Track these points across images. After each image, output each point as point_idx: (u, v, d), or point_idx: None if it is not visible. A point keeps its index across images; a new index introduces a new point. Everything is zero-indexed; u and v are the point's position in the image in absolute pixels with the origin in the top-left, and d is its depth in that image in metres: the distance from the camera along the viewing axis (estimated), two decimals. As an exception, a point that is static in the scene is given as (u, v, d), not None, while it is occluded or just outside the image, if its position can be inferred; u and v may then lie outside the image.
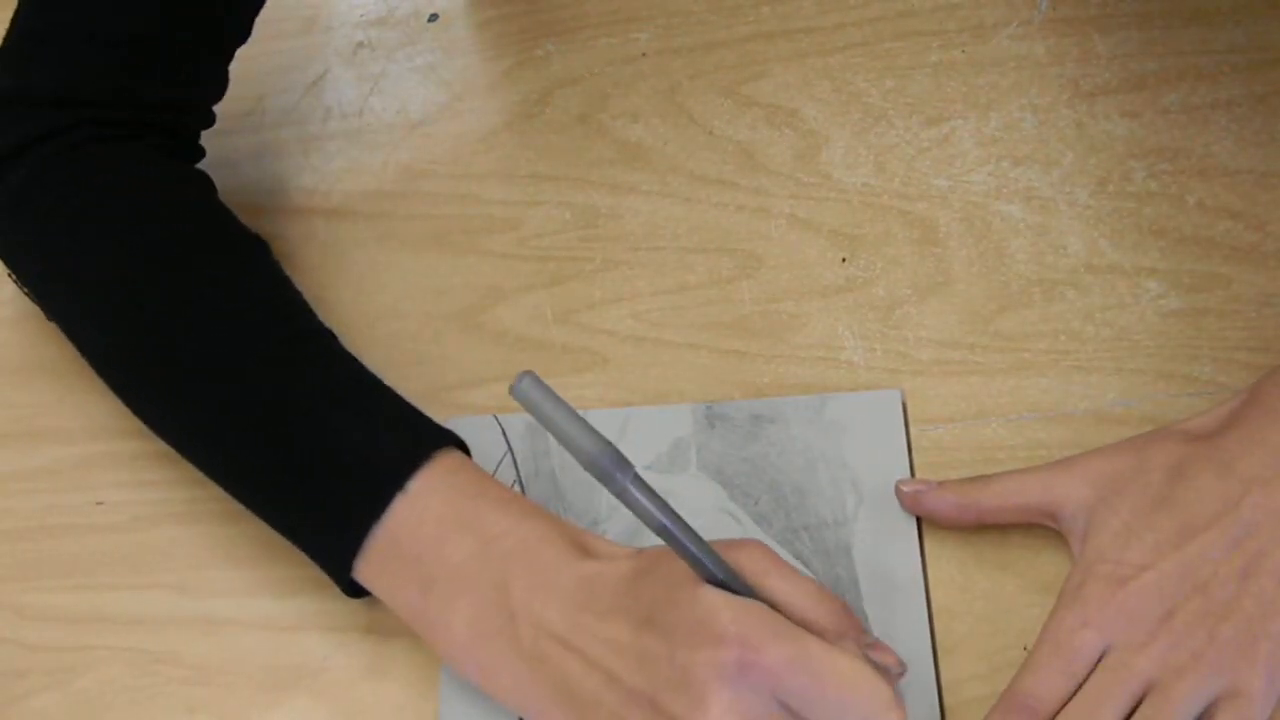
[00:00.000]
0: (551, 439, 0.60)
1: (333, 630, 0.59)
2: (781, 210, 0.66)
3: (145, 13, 0.60)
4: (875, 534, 0.58)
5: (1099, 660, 0.52)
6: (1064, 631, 0.52)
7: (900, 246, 0.65)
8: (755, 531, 0.58)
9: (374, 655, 0.58)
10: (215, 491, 0.61)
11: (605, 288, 0.66)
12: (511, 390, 0.43)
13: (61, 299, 0.61)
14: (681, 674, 0.48)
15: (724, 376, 0.63)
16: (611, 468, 0.45)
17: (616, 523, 0.59)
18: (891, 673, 0.52)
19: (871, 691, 0.48)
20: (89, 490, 0.63)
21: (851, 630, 0.51)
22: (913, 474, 0.59)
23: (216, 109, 0.66)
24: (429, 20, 0.75)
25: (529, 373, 0.43)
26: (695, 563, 0.49)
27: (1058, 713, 0.51)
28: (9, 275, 0.63)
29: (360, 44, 0.75)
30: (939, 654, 0.55)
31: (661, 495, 0.47)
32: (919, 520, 0.58)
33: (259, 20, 0.65)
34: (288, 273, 0.61)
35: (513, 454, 0.61)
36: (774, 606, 0.49)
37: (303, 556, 0.56)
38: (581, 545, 0.54)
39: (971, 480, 0.57)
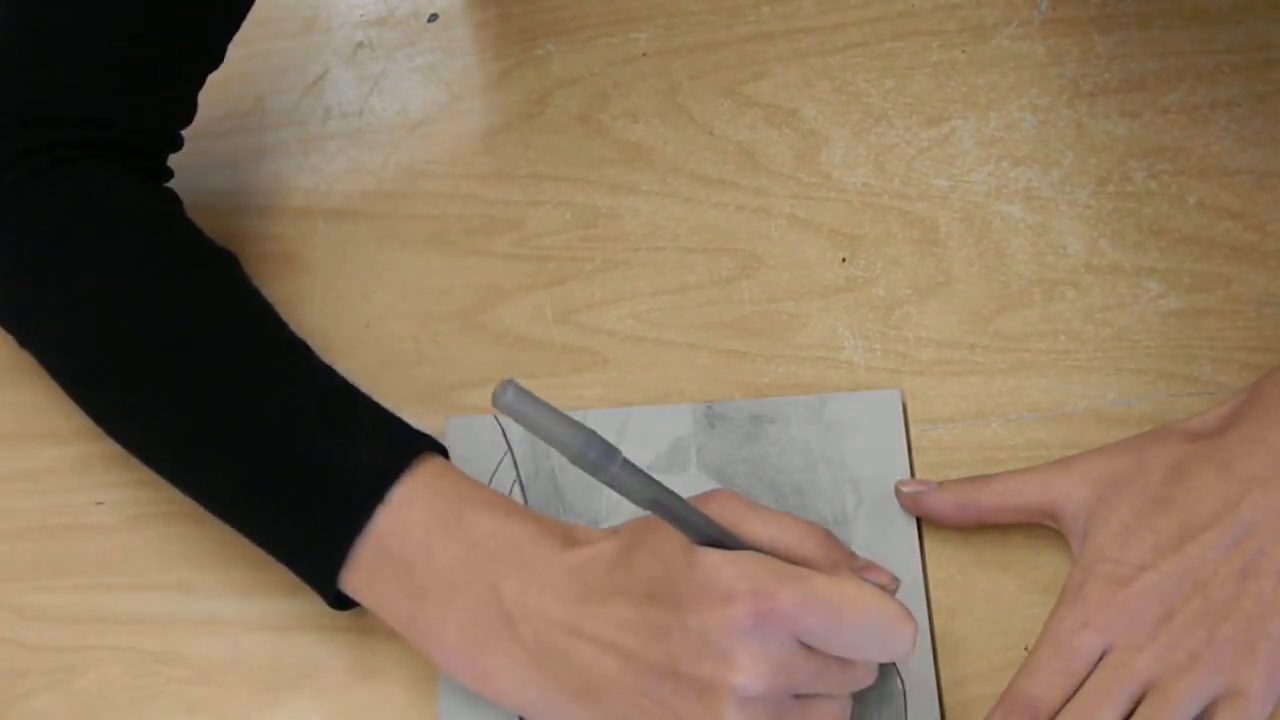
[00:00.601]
0: None
1: (333, 631, 0.59)
2: (781, 210, 0.66)
3: (114, 39, 0.59)
4: (875, 534, 0.58)
5: (1099, 660, 0.52)
6: (1064, 631, 0.52)
7: (900, 246, 0.65)
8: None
9: (374, 656, 0.58)
10: (215, 492, 0.62)
11: (605, 288, 0.66)
12: (494, 401, 0.44)
13: (30, 322, 0.61)
14: (699, 638, 0.48)
15: (724, 376, 0.63)
16: (601, 459, 0.45)
17: (617, 521, 0.59)
18: (889, 589, 0.52)
19: (883, 611, 0.48)
20: (89, 490, 0.63)
21: (842, 558, 0.52)
22: (913, 474, 0.59)
23: (215, 110, 0.65)
24: (429, 20, 0.75)
25: (510, 381, 0.44)
26: (687, 526, 0.49)
27: (1058, 713, 0.51)
28: None
29: (360, 44, 0.75)
30: (939, 654, 0.55)
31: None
32: (919, 520, 0.58)
33: (259, 20, 0.65)
34: (288, 275, 0.61)
35: (513, 454, 0.61)
36: (763, 551, 0.50)
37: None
38: (565, 536, 0.54)
39: (971, 480, 0.57)
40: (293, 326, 0.60)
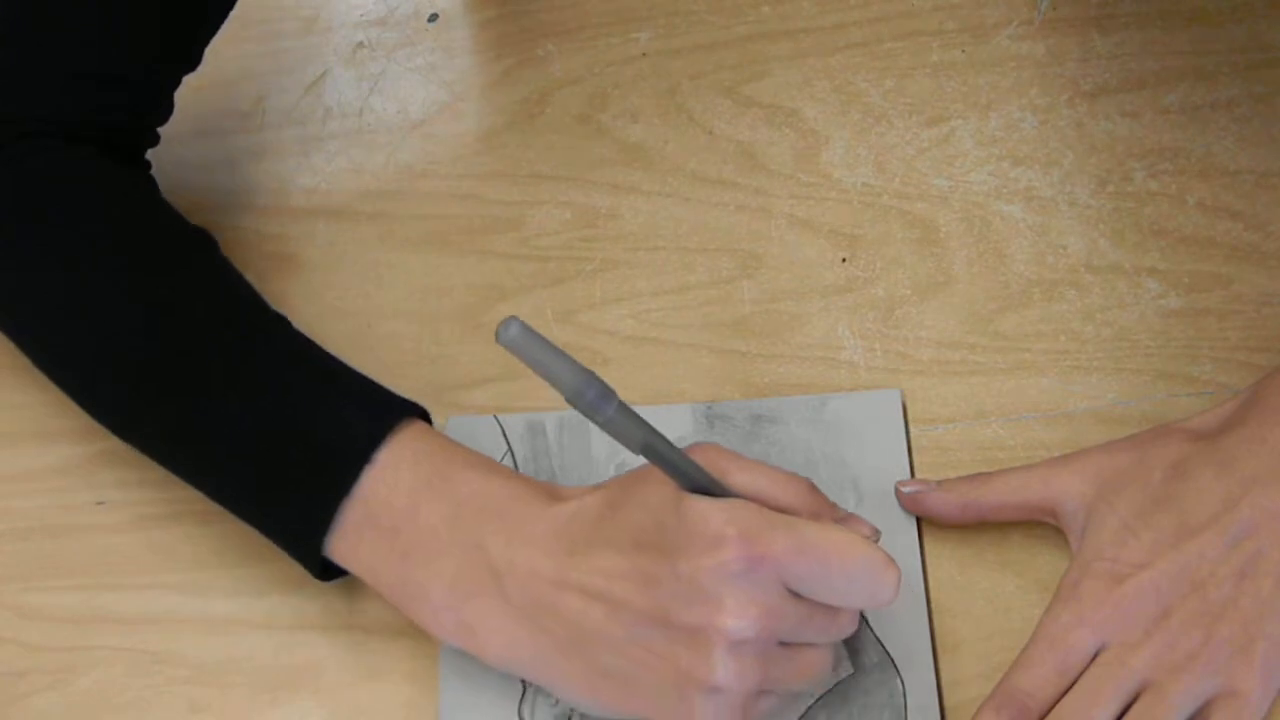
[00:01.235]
0: (549, 429, 0.61)
1: (334, 630, 0.59)
2: (782, 210, 0.67)
3: (84, 42, 0.59)
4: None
5: (1093, 658, 0.52)
6: (1059, 628, 0.52)
7: (900, 246, 0.65)
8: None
9: (375, 655, 0.58)
10: (216, 492, 0.62)
11: (605, 288, 0.66)
12: (498, 336, 0.44)
13: (7, 303, 0.61)
14: (689, 584, 0.48)
15: (724, 376, 0.63)
16: (598, 400, 0.46)
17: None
18: (871, 540, 0.52)
19: (868, 558, 0.49)
20: (90, 490, 0.63)
21: (825, 508, 0.52)
22: (913, 474, 0.59)
23: (215, 110, 0.65)
24: (429, 20, 0.75)
25: (514, 318, 0.44)
26: (678, 473, 0.49)
27: (1050, 710, 0.51)
28: None
29: (360, 44, 0.75)
30: (939, 653, 0.55)
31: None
32: (919, 520, 0.58)
33: (259, 20, 0.65)
34: (288, 275, 0.61)
35: (512, 454, 0.61)
36: (749, 500, 0.50)
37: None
38: (550, 493, 0.54)
39: (971, 478, 0.57)
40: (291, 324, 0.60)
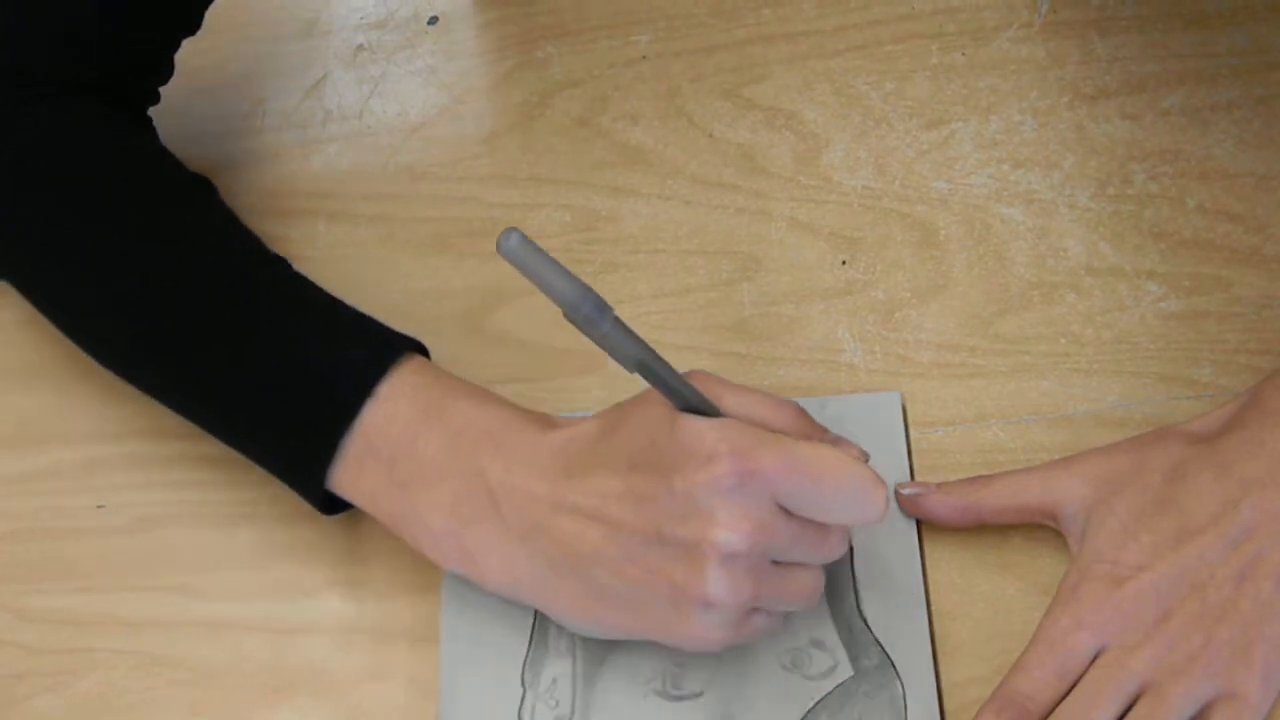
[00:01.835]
0: None
1: (334, 632, 0.59)
2: (782, 213, 0.67)
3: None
4: (875, 535, 0.58)
5: (1093, 660, 0.52)
6: (1058, 631, 0.52)
7: (900, 249, 0.65)
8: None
9: (375, 657, 0.58)
10: (216, 494, 0.62)
11: (605, 290, 0.65)
12: (498, 247, 0.44)
13: (9, 251, 0.61)
14: (683, 500, 0.49)
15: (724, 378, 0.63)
16: (595, 313, 0.47)
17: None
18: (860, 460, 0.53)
19: (858, 475, 0.49)
20: (90, 493, 0.63)
21: (813, 430, 0.53)
22: (912, 476, 0.59)
23: (215, 112, 0.65)
24: (429, 23, 0.75)
25: (514, 229, 0.45)
26: (672, 392, 0.50)
27: (1050, 712, 0.51)
28: None
29: (360, 47, 0.75)
30: (939, 656, 0.55)
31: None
32: (919, 522, 0.58)
33: (259, 23, 0.65)
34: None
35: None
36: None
37: (304, 554, 0.56)
38: (547, 421, 0.54)
39: (971, 481, 0.57)
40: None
